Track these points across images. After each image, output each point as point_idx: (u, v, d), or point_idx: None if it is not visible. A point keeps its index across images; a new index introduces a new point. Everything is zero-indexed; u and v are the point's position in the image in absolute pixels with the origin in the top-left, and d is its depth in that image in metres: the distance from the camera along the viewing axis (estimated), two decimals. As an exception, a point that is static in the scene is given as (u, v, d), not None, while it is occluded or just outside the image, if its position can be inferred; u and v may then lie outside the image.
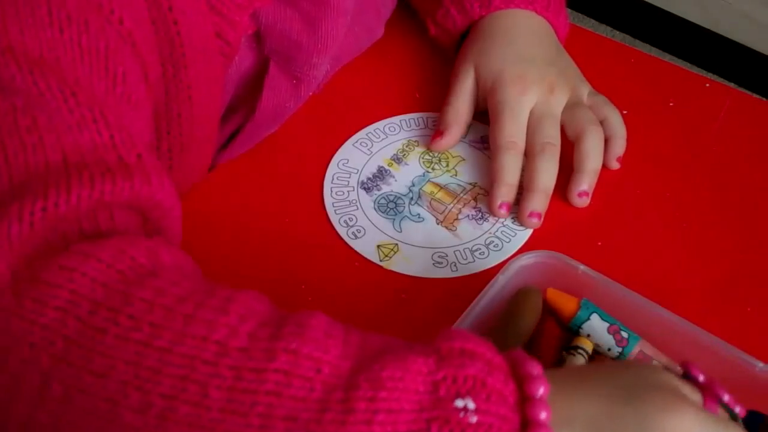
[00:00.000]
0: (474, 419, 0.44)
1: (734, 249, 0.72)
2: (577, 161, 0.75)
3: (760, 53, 2.10)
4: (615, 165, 0.77)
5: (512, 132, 0.75)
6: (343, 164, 0.77)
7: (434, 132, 0.79)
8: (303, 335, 0.45)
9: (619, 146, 0.77)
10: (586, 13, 2.25)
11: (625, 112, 0.79)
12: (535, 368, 0.46)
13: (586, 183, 0.74)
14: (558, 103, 0.77)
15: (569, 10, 0.85)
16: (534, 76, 0.77)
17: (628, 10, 2.22)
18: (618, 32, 2.23)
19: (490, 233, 0.73)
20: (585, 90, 0.79)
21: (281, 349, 0.45)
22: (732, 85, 2.02)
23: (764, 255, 0.72)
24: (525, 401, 0.45)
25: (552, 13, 0.81)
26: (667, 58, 2.13)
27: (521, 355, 0.48)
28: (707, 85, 0.85)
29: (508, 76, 0.77)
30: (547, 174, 0.73)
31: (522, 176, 0.74)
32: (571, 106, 0.77)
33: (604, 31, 2.23)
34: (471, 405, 0.44)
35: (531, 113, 0.76)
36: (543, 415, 0.45)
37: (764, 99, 0.87)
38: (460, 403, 0.44)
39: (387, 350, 0.47)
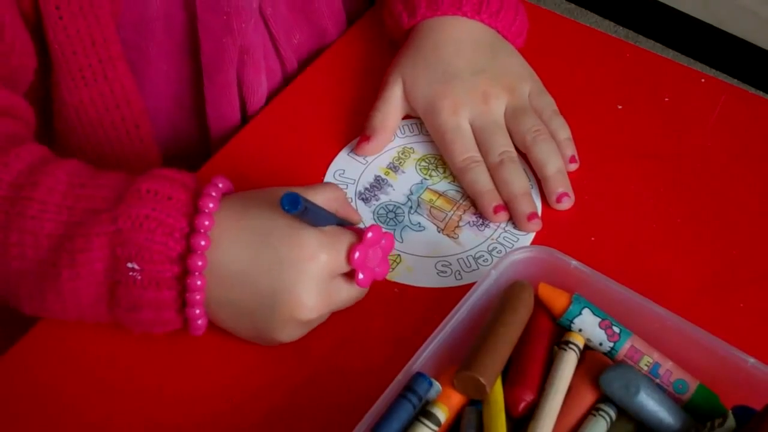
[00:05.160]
0: (139, 277, 0.60)
1: (727, 245, 0.72)
2: (537, 172, 0.75)
3: (764, 49, 2.09)
4: (572, 166, 0.76)
5: (462, 150, 0.75)
6: (339, 175, 0.77)
7: (360, 136, 0.78)
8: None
9: (568, 148, 0.76)
10: (589, 9, 2.24)
11: (619, 106, 0.79)
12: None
13: (557, 187, 0.74)
14: (496, 109, 0.76)
15: (572, 5, 0.84)
16: (462, 92, 0.76)
17: (632, 6, 2.21)
18: (621, 28, 2.22)
19: (493, 239, 0.73)
20: (525, 88, 0.78)
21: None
22: (735, 81, 2.02)
23: (757, 251, 0.72)
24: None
25: (486, 15, 0.80)
26: (670, 54, 2.13)
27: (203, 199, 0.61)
28: (703, 80, 0.84)
29: (437, 98, 0.76)
30: (516, 180, 0.73)
31: (499, 191, 0.74)
32: (512, 113, 0.76)
33: (607, 27, 2.22)
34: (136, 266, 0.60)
35: (473, 126, 0.76)
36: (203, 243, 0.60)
37: (762, 94, 0.87)
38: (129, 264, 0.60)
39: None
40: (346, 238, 0.63)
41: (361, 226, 0.69)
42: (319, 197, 0.63)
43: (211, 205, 0.61)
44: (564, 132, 0.77)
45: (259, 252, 0.61)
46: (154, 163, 0.79)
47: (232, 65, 0.78)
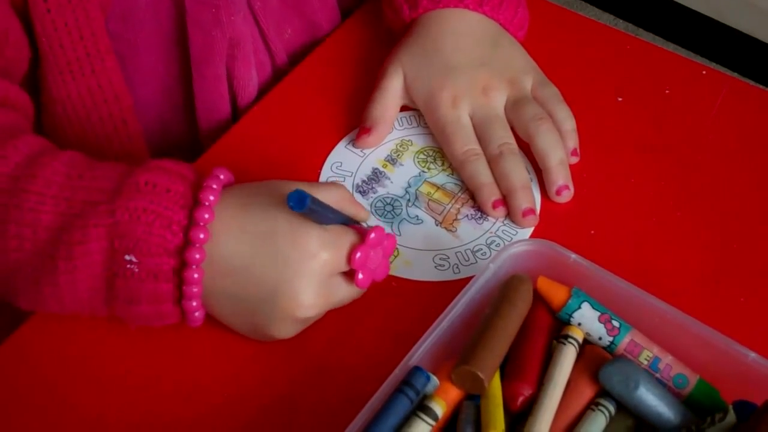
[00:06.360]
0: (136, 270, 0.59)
1: (728, 239, 0.72)
2: (539, 162, 0.74)
3: (764, 42, 2.09)
4: (573, 159, 0.76)
5: (463, 143, 0.74)
6: (336, 167, 0.76)
7: (360, 129, 0.77)
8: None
9: (571, 140, 0.75)
10: (588, 2, 2.24)
11: (620, 99, 0.78)
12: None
13: (557, 179, 0.73)
14: (497, 102, 0.76)
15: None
16: (462, 85, 0.76)
17: (631, -2, 2.21)
18: (621, 21, 2.22)
19: (491, 232, 0.72)
20: (528, 81, 0.77)
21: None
22: (735, 74, 2.01)
23: (757, 245, 0.72)
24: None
25: (488, 7, 0.79)
26: (670, 47, 2.12)
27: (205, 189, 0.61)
28: (704, 72, 0.84)
29: (437, 92, 0.76)
30: (516, 172, 0.72)
31: (498, 184, 0.73)
32: (514, 103, 0.76)
33: (607, 20, 2.21)
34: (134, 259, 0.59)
35: (473, 119, 0.75)
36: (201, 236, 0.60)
37: (761, 87, 0.87)
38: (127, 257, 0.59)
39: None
40: (348, 238, 0.62)
41: (364, 224, 0.68)
42: (326, 198, 0.62)
43: (211, 198, 0.61)
44: (569, 123, 0.76)
45: (260, 247, 0.61)
46: (142, 160, 0.79)
47: (222, 58, 0.77)
